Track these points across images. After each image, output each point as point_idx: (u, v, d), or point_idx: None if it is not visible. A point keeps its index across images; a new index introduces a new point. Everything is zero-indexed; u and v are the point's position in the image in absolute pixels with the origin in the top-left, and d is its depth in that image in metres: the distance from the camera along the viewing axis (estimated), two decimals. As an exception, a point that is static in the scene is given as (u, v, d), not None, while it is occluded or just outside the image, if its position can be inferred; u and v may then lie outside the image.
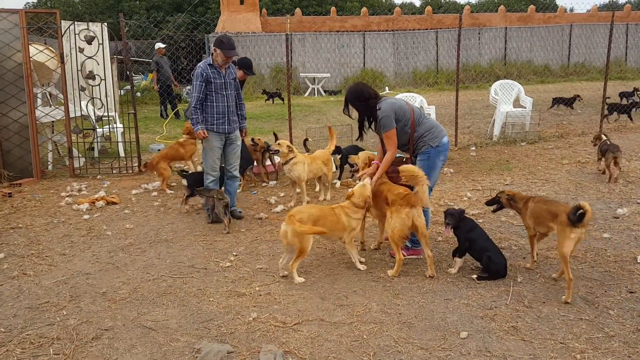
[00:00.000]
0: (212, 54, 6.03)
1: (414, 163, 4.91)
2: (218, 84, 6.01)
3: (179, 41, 20.55)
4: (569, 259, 4.10)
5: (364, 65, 24.29)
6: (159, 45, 15.57)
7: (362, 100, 4.82)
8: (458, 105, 10.24)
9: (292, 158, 6.59)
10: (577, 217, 4.02)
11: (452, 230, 4.64)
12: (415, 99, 10.37)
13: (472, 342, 3.53)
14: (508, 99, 11.04)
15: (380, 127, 4.81)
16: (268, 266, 4.89)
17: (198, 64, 6.07)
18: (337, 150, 7.67)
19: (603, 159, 7.60)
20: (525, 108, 10.79)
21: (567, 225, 4.09)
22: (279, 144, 6.66)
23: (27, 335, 3.74)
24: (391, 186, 4.74)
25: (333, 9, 32.20)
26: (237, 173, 6.45)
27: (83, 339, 3.68)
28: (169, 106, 15.63)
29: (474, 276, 4.48)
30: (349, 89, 4.98)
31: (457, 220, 4.59)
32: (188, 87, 21.86)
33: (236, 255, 5.19)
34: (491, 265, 4.39)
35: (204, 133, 5.98)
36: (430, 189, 4.73)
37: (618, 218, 5.93)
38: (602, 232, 5.49)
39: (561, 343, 3.51)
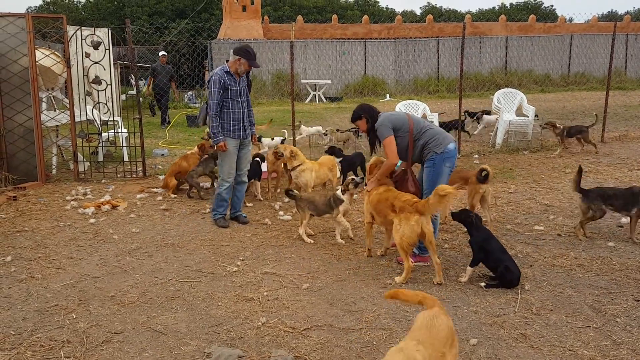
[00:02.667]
0: (231, 62, 6.10)
1: (415, 172, 5.03)
2: (234, 91, 6.08)
3: (182, 47, 20.61)
4: (476, 206, 5.78)
5: (365, 72, 24.40)
6: (162, 53, 15.90)
7: (374, 114, 5.06)
8: (461, 112, 10.28)
9: (299, 165, 6.62)
10: (483, 177, 5.60)
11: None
12: (418, 106, 10.44)
13: (482, 349, 3.54)
14: (511, 107, 11.09)
15: (378, 137, 4.99)
16: (275, 271, 4.90)
17: (214, 71, 6.12)
18: (338, 155, 7.72)
19: (566, 140, 9.87)
20: (528, 117, 10.85)
21: (476, 184, 5.70)
22: (284, 147, 6.70)
23: (38, 338, 3.75)
24: (397, 193, 4.77)
25: (334, 16, 32.40)
26: (245, 178, 6.48)
27: (93, 342, 3.69)
28: (159, 111, 15.82)
29: (483, 284, 4.50)
30: (360, 107, 5.21)
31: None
32: (190, 92, 21.93)
33: (243, 260, 5.21)
34: (507, 275, 4.39)
35: (225, 145, 6.05)
36: None
37: (622, 227, 5.96)
38: (607, 241, 5.52)
39: (570, 350, 3.53)
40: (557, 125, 10.08)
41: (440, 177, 4.86)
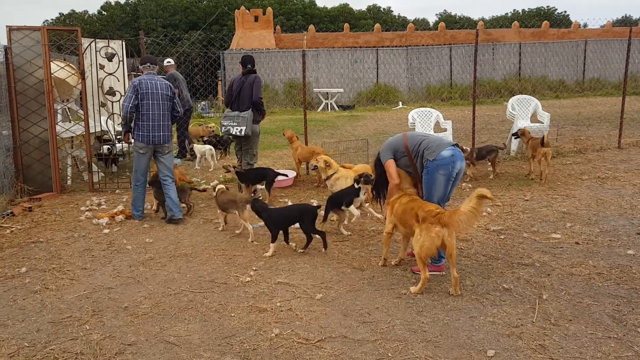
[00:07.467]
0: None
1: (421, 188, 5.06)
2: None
3: (195, 58, 20.76)
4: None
5: (377, 80, 24.39)
6: (168, 61, 11.42)
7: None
8: (475, 120, 10.19)
9: (333, 173, 6.61)
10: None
11: None
12: (431, 114, 10.37)
13: (500, 361, 3.47)
14: (525, 114, 10.99)
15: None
16: (288, 281, 4.87)
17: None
18: None
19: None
20: (543, 123, 10.74)
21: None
22: (317, 159, 6.71)
23: (51, 350, 3.74)
24: (422, 203, 4.71)
25: (346, 25, 32.47)
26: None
27: (106, 354, 3.67)
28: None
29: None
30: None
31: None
32: (203, 102, 22.06)
33: (256, 270, 5.18)
34: None
35: None
36: (438, 203, 4.77)
37: (642, 234, 5.84)
38: (627, 249, 5.40)
39: (590, 362, 3.44)
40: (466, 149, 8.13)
41: (434, 185, 4.83)
